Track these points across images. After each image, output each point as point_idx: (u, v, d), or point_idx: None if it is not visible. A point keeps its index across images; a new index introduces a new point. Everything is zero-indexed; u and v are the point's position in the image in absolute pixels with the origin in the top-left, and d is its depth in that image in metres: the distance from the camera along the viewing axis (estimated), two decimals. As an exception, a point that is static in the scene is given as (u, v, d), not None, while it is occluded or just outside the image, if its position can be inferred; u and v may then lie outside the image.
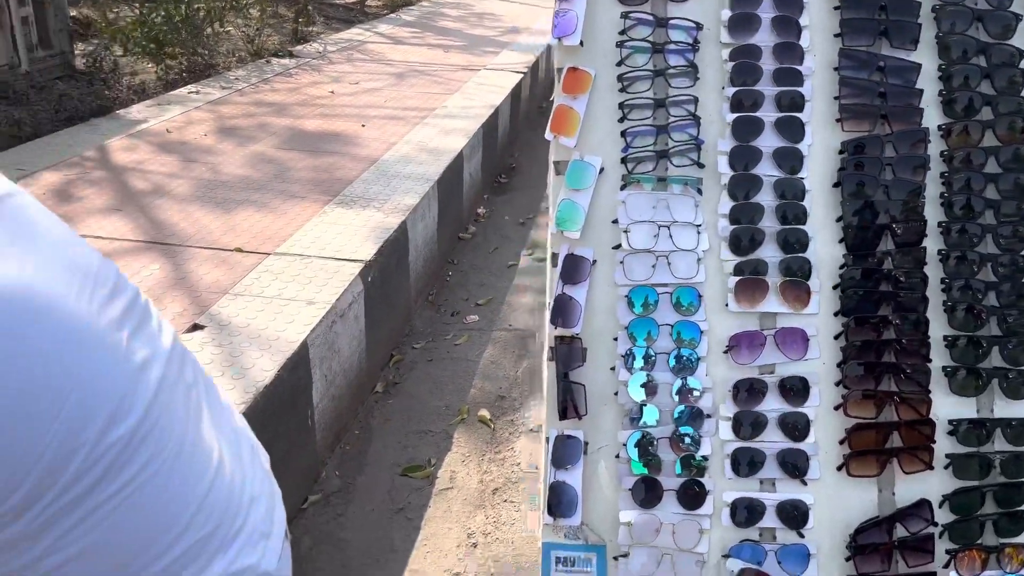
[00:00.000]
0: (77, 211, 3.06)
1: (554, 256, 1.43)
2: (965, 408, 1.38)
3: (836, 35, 1.44)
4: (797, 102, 1.43)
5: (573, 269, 1.41)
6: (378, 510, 2.28)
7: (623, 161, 1.43)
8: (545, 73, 7.25)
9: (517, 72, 5.96)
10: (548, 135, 1.44)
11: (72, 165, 3.58)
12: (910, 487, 1.36)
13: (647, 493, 1.37)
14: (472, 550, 2.11)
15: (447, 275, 3.75)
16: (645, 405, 1.39)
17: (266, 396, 2.03)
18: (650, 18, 1.44)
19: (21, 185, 0.72)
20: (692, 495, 1.37)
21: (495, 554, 2.10)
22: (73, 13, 6.11)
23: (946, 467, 1.36)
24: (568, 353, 1.40)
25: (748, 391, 1.38)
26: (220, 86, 5.27)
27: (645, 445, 1.38)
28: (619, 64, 1.44)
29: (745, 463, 1.37)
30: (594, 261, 1.42)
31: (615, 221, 1.41)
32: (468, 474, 2.40)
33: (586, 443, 1.39)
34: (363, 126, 4.48)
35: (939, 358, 1.38)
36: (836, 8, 1.44)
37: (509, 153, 5.52)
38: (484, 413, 2.67)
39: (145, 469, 0.63)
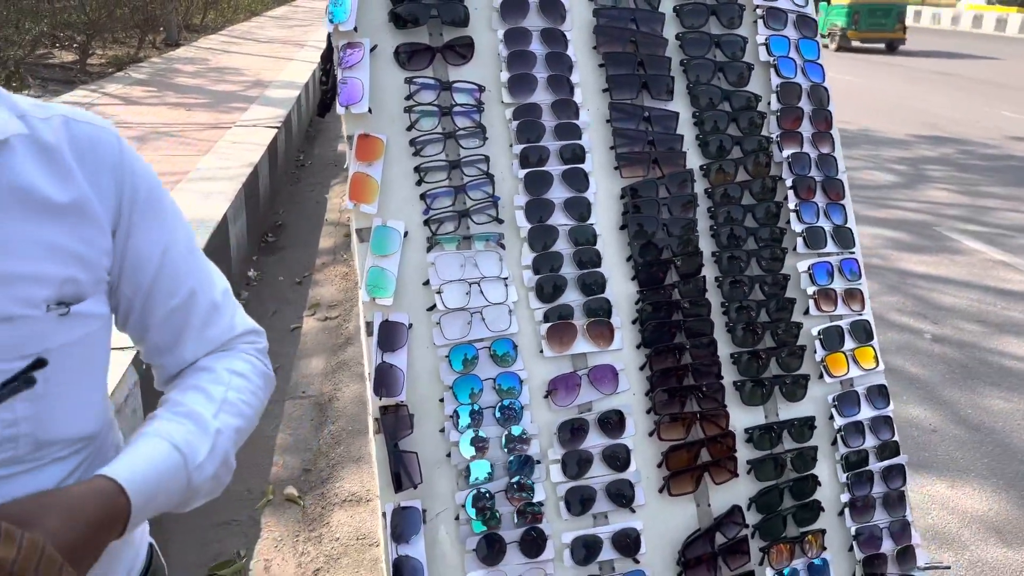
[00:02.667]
0: None
1: (368, 325, 1.40)
2: (755, 416, 1.53)
3: (604, 90, 1.56)
4: (579, 154, 1.53)
5: (390, 336, 1.39)
6: (188, 618, 2.08)
7: (426, 223, 1.44)
8: (297, 126, 7.12)
9: (271, 127, 5.79)
10: (348, 204, 1.42)
11: None
12: (722, 496, 1.49)
13: (489, 550, 1.38)
14: (302, 640, 1.98)
15: (225, 347, 3.53)
16: (477, 463, 1.40)
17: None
18: (434, 82, 1.48)
19: None
20: (532, 543, 1.39)
21: (327, 639, 1.99)
22: None
23: (748, 472, 1.50)
24: (395, 422, 1.38)
25: (571, 431, 1.44)
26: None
27: (482, 503, 1.38)
28: (409, 128, 1.46)
29: (577, 502, 1.43)
30: (410, 325, 1.41)
31: (426, 283, 1.42)
32: (284, 560, 2.26)
33: (424, 511, 1.37)
34: (108, 197, 4.11)
35: (729, 374, 1.53)
36: (601, 66, 1.57)
37: (273, 211, 5.33)
38: (291, 491, 2.53)
39: None
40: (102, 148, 0.86)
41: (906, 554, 1.55)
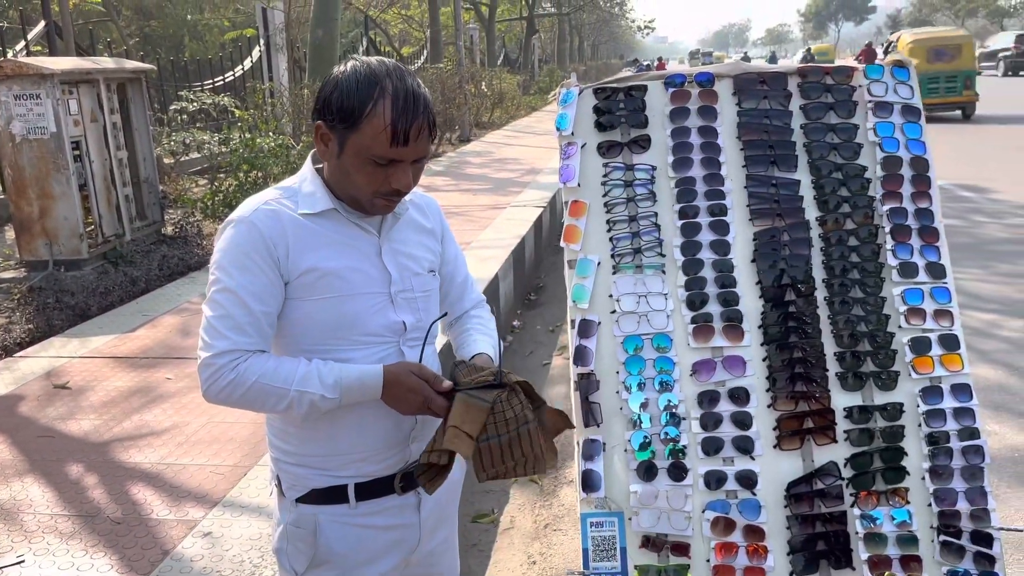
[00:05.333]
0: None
1: (572, 321, 2.16)
2: (854, 399, 2.05)
3: (743, 166, 2.22)
4: (722, 210, 2.19)
5: (585, 328, 2.14)
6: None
7: (612, 256, 2.19)
8: (561, 205, 8.17)
9: (538, 207, 6.87)
10: (562, 244, 2.22)
11: (183, 309, 4.42)
12: (823, 455, 2.02)
13: (647, 472, 2.04)
14: (532, 566, 2.72)
15: (492, 376, 4.46)
16: (641, 415, 2.08)
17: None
18: (622, 165, 2.24)
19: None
20: (677, 472, 2.04)
21: (551, 566, 2.71)
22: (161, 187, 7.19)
23: (845, 439, 2.03)
24: (587, 384, 2.11)
25: (708, 399, 2.08)
26: (287, 238, 6.21)
27: (643, 442, 2.06)
28: (604, 196, 2.23)
29: (711, 448, 2.05)
30: (599, 322, 2.15)
31: (610, 295, 2.16)
32: (524, 517, 3.03)
33: (604, 443, 2.08)
34: (413, 261, 5.33)
35: (833, 368, 2.07)
36: (741, 150, 2.23)
37: (536, 275, 6.33)
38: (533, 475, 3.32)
39: None
40: (433, 204, 1.83)
41: (981, 514, 1.95)
